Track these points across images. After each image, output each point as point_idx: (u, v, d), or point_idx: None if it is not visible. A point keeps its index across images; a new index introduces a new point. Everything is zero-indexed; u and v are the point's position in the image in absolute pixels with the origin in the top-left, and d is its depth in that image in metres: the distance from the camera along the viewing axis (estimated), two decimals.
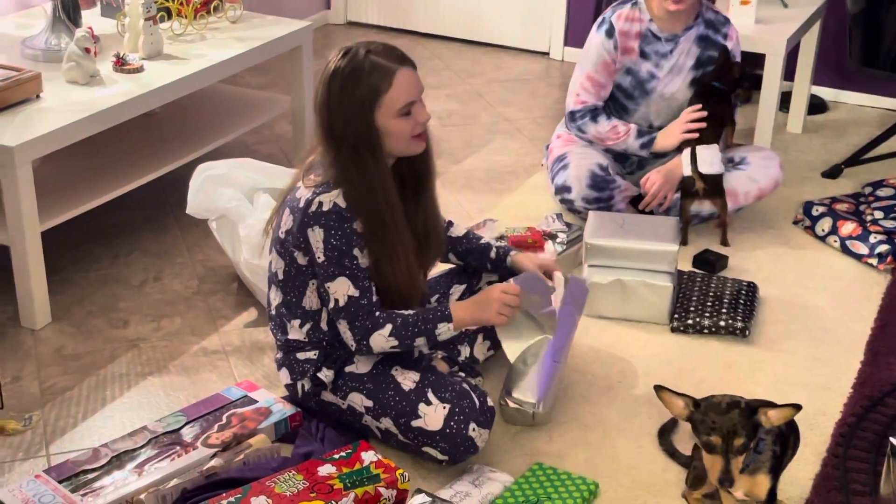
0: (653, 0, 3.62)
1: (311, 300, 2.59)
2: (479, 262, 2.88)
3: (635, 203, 3.66)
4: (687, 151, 3.56)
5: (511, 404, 2.71)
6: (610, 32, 3.64)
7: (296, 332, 2.62)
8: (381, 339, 2.50)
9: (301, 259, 2.55)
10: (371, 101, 2.44)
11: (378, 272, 2.52)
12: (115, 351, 3.05)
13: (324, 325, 2.60)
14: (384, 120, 2.46)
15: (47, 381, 2.91)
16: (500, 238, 3.53)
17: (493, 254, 2.86)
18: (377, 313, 2.51)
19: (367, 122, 2.45)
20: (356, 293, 2.49)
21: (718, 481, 2.21)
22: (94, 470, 2.48)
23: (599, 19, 3.69)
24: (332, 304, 2.52)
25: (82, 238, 3.61)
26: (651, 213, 3.62)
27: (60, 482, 2.43)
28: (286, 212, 2.55)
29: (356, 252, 2.48)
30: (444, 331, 2.53)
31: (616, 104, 3.72)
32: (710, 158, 3.53)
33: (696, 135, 3.56)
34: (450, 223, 2.88)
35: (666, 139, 3.63)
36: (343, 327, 2.52)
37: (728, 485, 2.20)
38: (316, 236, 2.48)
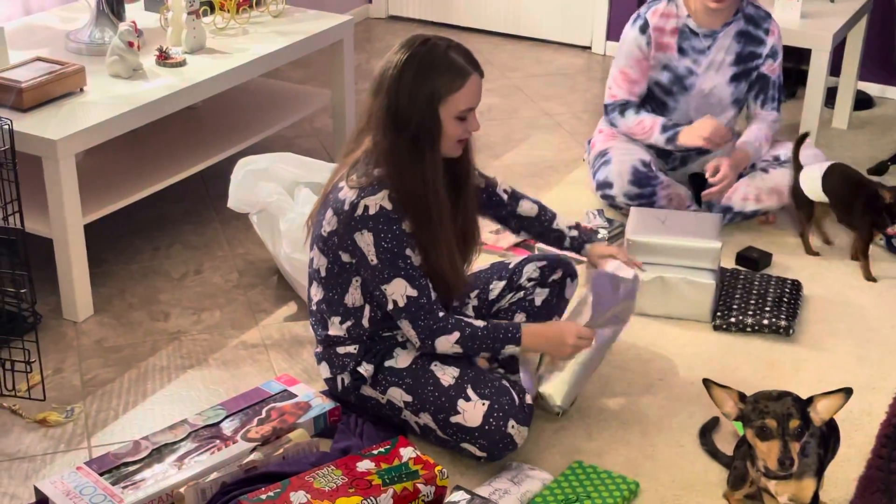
0: None
1: (353, 297, 2.58)
2: (556, 245, 2.94)
3: (695, 181, 3.59)
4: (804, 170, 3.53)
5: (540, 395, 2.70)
6: (643, 28, 3.62)
7: (336, 328, 2.62)
8: (447, 344, 2.52)
9: (346, 258, 2.55)
10: (440, 96, 2.45)
11: (426, 263, 2.52)
12: (156, 344, 3.07)
13: (365, 323, 2.60)
14: (443, 117, 2.47)
15: (89, 373, 2.93)
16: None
17: (566, 243, 2.91)
18: (441, 314, 2.52)
19: (433, 112, 2.46)
20: (414, 293, 2.49)
21: (779, 463, 2.17)
22: (134, 462, 2.49)
23: (634, 14, 3.67)
24: (390, 306, 2.51)
25: (124, 231, 3.63)
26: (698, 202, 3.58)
27: (101, 474, 2.44)
28: (329, 211, 2.54)
29: (408, 252, 2.48)
30: (510, 351, 2.56)
31: (655, 101, 3.70)
32: (811, 177, 3.50)
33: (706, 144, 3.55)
34: (491, 187, 2.87)
35: (689, 137, 3.57)
36: (406, 326, 2.53)
37: (790, 465, 2.16)
38: (366, 240, 2.47)
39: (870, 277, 3.42)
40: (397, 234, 2.47)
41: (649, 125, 3.63)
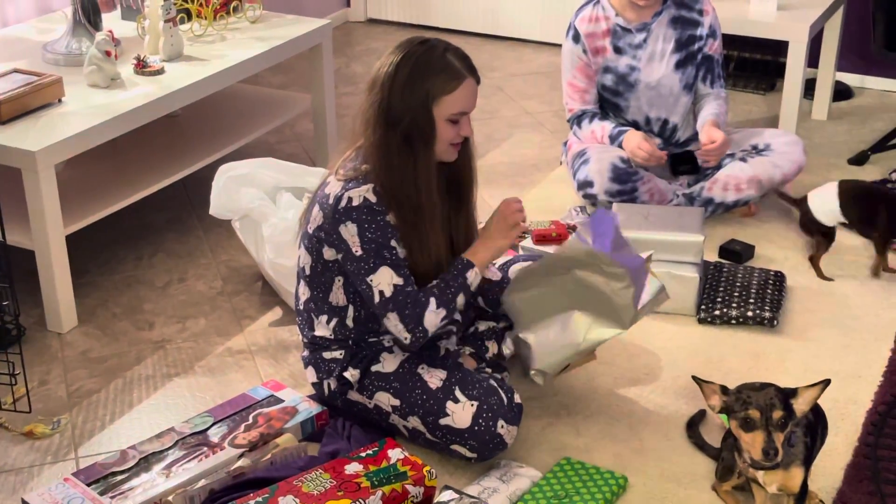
0: None
1: (336, 296, 2.59)
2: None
3: (675, 162, 3.58)
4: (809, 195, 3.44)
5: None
6: (576, 38, 3.65)
7: (323, 328, 2.63)
8: (433, 316, 2.51)
9: (328, 254, 2.55)
10: (434, 96, 2.46)
11: (410, 261, 2.53)
12: (141, 353, 3.06)
13: (349, 322, 2.60)
14: (436, 118, 2.48)
15: (74, 384, 2.92)
16: (525, 233, 3.52)
17: None
18: (421, 296, 2.51)
19: (427, 112, 2.46)
20: (401, 281, 2.49)
21: (763, 453, 2.17)
22: (122, 472, 2.48)
23: (568, 24, 3.69)
24: (377, 298, 2.50)
25: (107, 241, 3.62)
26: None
27: (89, 485, 2.44)
28: (315, 207, 2.56)
29: (393, 243, 2.49)
30: (473, 277, 2.56)
31: (609, 104, 3.73)
32: (823, 204, 3.41)
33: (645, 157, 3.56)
34: None
35: (626, 144, 3.60)
36: (394, 320, 2.51)
37: (774, 455, 2.17)
38: (349, 231, 2.48)
39: (881, 272, 3.40)
40: (381, 225, 2.47)
41: (600, 136, 3.67)
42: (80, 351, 3.06)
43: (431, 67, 2.45)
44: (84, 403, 2.84)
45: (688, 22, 3.65)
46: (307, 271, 2.62)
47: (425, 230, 2.51)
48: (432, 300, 2.51)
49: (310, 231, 2.58)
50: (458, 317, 2.80)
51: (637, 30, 3.63)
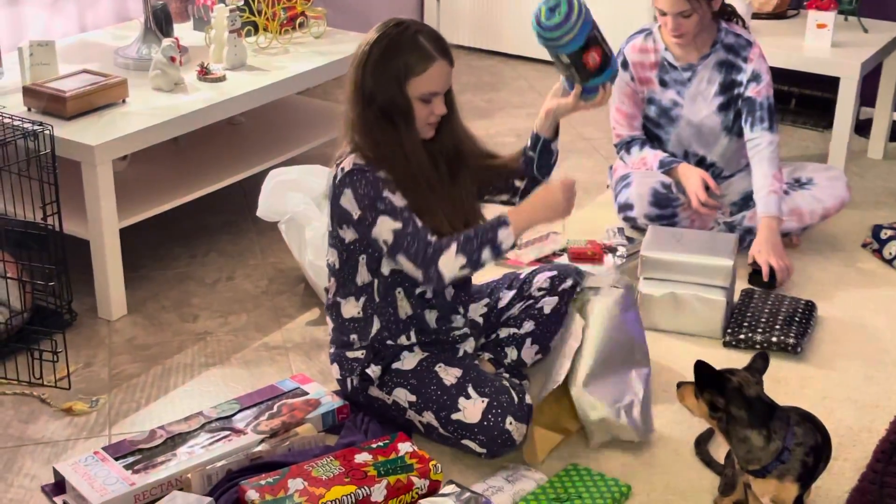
0: (664, 29, 3.68)
1: (363, 275, 2.69)
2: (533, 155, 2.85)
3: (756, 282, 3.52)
4: None
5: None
6: (625, 64, 3.71)
7: (352, 307, 2.72)
8: (451, 260, 2.53)
9: (348, 235, 2.65)
10: (404, 76, 2.55)
11: (425, 223, 2.58)
12: (183, 343, 3.20)
13: (377, 297, 2.70)
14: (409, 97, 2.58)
15: (117, 368, 3.07)
16: (563, 250, 3.61)
17: (529, 143, 2.86)
18: (433, 238, 2.54)
19: (402, 90, 2.56)
20: (399, 225, 2.54)
21: None
22: (148, 449, 2.62)
23: (617, 51, 3.75)
24: (384, 249, 2.58)
25: (164, 238, 3.79)
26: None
27: (116, 459, 2.58)
28: (327, 201, 2.70)
29: (387, 193, 2.55)
30: (506, 236, 2.55)
31: (650, 135, 3.79)
32: None
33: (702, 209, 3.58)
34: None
35: (683, 178, 3.64)
36: (404, 262, 2.56)
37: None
38: (347, 198, 2.58)
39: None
40: (372, 180, 2.56)
41: (650, 163, 3.72)
42: (126, 338, 3.22)
43: (401, 48, 2.54)
44: (123, 386, 2.99)
45: (732, 67, 3.68)
46: (337, 265, 2.73)
47: (427, 196, 2.59)
48: (454, 245, 2.53)
49: (328, 228, 2.71)
50: (479, 319, 2.90)
51: (683, 68, 3.69)
